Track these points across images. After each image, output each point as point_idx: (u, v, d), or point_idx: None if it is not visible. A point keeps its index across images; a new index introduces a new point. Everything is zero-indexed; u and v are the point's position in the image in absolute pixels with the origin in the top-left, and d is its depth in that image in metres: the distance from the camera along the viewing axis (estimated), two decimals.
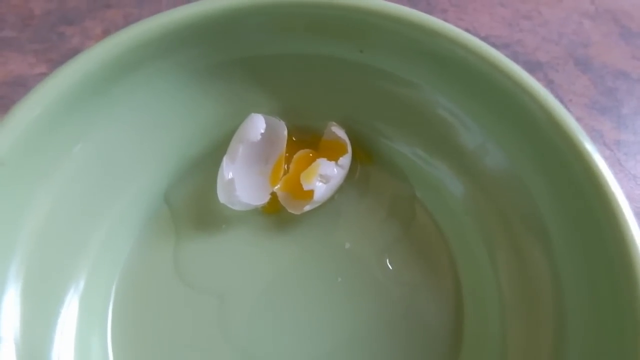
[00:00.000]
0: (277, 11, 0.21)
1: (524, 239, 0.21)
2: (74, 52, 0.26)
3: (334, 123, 0.24)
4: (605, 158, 0.30)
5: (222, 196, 0.22)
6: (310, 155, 0.24)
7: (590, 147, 0.19)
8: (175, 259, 0.23)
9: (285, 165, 0.24)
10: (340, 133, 0.24)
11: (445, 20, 0.21)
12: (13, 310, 0.18)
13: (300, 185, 0.22)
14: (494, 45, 0.33)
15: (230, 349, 0.21)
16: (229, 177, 0.22)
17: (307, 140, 0.25)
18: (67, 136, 0.20)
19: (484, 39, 0.33)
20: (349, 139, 0.24)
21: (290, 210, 0.23)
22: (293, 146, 0.25)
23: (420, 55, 0.22)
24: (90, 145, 0.21)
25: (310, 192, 0.22)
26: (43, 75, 0.19)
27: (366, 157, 0.25)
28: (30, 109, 0.18)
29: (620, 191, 0.18)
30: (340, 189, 0.24)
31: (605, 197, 0.18)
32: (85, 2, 0.33)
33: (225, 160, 0.23)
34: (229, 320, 0.22)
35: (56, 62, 0.31)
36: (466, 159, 0.23)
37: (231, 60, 0.23)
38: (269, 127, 0.23)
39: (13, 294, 0.18)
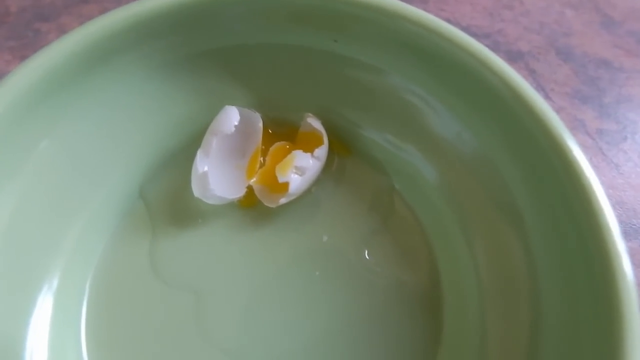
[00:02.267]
0: (255, 1, 0.21)
1: (500, 226, 0.21)
2: None
3: (310, 114, 0.24)
4: (588, 147, 0.30)
5: (196, 190, 0.22)
6: (287, 147, 0.24)
7: (566, 135, 0.18)
8: (151, 255, 0.22)
9: (262, 158, 0.24)
10: (317, 124, 0.23)
11: (426, 10, 0.21)
12: None
13: (276, 177, 0.22)
14: (475, 35, 0.33)
15: (207, 345, 0.21)
16: (203, 170, 0.22)
17: (283, 132, 0.25)
18: (32, 132, 0.19)
19: (465, 29, 0.33)
20: (326, 130, 0.24)
21: (266, 204, 0.23)
22: (270, 139, 0.24)
23: (395, 43, 0.21)
24: (58, 141, 0.20)
25: (286, 185, 0.22)
26: None
27: (343, 148, 0.25)
28: None
29: (596, 178, 0.18)
30: (318, 181, 0.24)
31: (580, 185, 0.17)
32: None
33: (199, 154, 0.22)
34: (206, 316, 0.21)
35: None
36: (442, 146, 0.22)
37: (203, 52, 0.23)
38: (243, 119, 0.23)
39: None
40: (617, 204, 0.27)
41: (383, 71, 0.23)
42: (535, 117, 0.19)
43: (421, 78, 0.22)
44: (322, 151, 0.23)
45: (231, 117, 0.22)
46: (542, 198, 0.19)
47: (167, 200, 0.24)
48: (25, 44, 0.31)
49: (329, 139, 0.24)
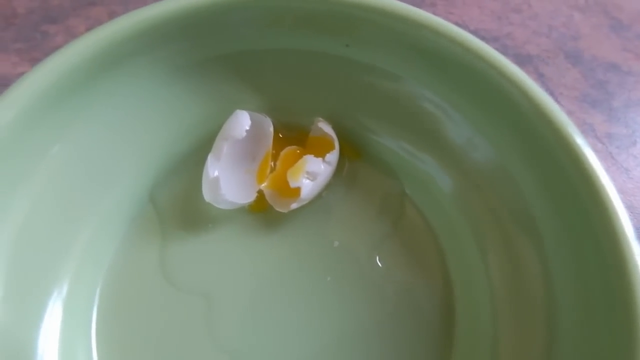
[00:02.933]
0: (266, 5, 0.21)
1: (514, 234, 0.21)
2: None
3: (321, 119, 0.24)
4: (597, 151, 0.29)
5: (207, 195, 0.22)
6: (298, 152, 0.24)
7: (579, 140, 0.18)
8: (161, 259, 0.22)
9: (272, 163, 0.24)
10: (327, 129, 0.23)
11: (435, 14, 0.21)
12: None
13: (287, 182, 0.22)
14: (483, 38, 0.32)
15: (218, 350, 0.21)
16: (214, 175, 0.22)
17: (294, 137, 0.25)
18: (44, 137, 0.19)
19: (474, 32, 0.33)
20: (337, 134, 0.23)
21: (277, 209, 0.23)
22: (280, 143, 0.24)
23: (406, 48, 0.21)
24: (70, 145, 0.20)
25: (297, 190, 0.22)
26: None
27: (354, 153, 0.25)
28: (5, 109, 0.17)
29: (611, 184, 0.18)
30: (328, 186, 0.24)
31: (595, 190, 0.17)
32: (69, 0, 0.33)
33: (210, 158, 0.22)
34: (216, 321, 0.21)
35: (40, 61, 0.30)
36: (454, 153, 0.22)
37: (215, 57, 0.22)
38: (254, 123, 0.23)
39: None
40: (627, 209, 0.27)
41: (395, 76, 0.22)
42: (547, 121, 0.19)
43: (433, 83, 0.22)
44: (333, 156, 0.23)
45: (242, 121, 0.22)
46: (555, 204, 0.19)
47: (177, 205, 0.23)
48: (32, 46, 0.31)
49: (339, 143, 0.23)
